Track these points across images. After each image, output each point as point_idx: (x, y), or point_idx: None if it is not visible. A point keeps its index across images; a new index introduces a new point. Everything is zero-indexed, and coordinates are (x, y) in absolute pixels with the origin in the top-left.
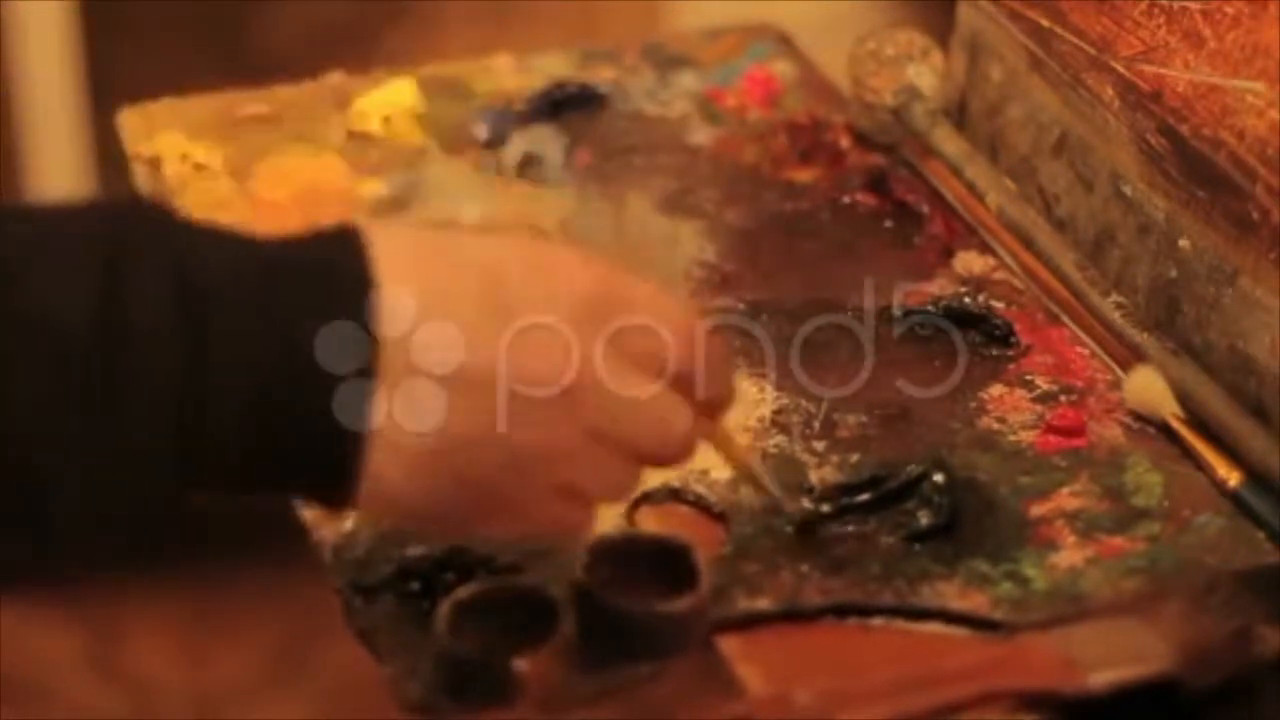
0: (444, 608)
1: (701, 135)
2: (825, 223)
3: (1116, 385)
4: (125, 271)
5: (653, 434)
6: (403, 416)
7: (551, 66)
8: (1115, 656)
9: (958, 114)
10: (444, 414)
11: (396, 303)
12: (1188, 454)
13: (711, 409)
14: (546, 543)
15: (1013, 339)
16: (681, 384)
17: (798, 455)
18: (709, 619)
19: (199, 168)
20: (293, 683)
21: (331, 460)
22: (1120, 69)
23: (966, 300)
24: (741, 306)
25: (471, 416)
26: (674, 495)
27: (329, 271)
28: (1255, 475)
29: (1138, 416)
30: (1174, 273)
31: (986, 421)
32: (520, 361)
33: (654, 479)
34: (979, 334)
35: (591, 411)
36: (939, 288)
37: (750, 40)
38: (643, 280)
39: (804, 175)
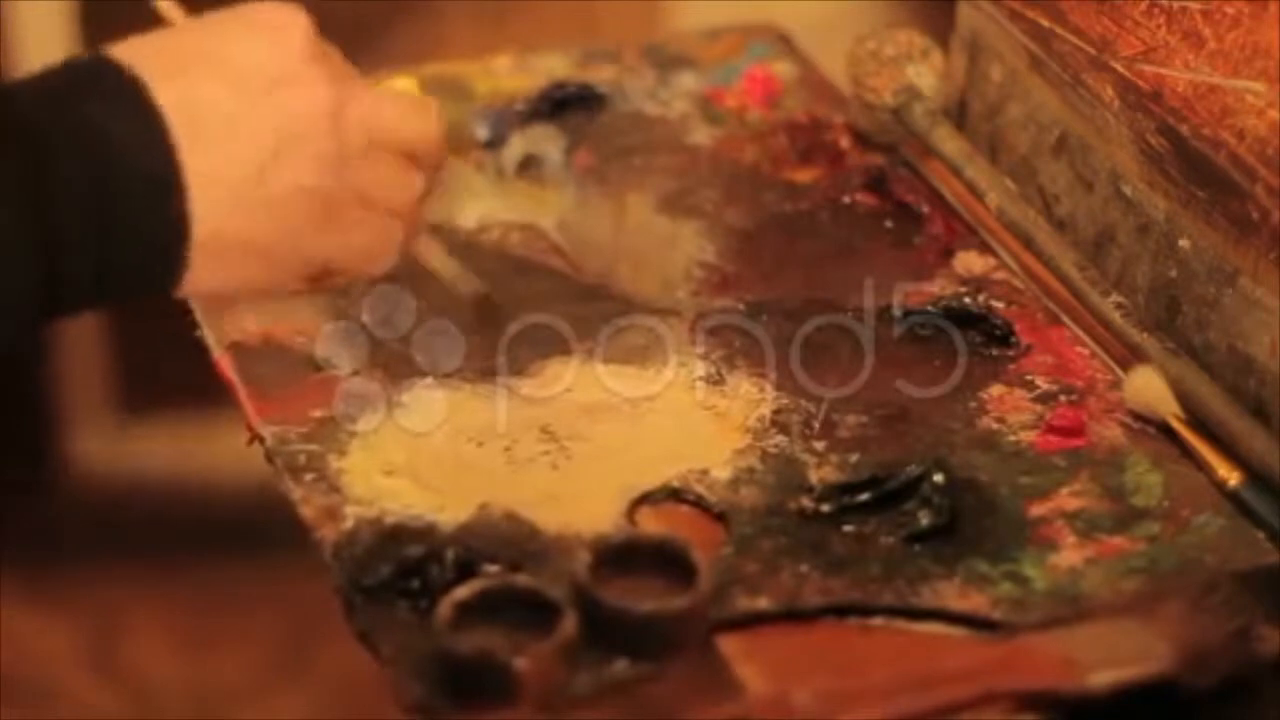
0: (444, 607)
1: (701, 135)
2: (825, 223)
3: (1116, 385)
4: None
5: (413, 127)
6: (209, 169)
7: (551, 66)
8: (1115, 656)
9: (958, 114)
10: (244, 152)
11: (169, 84)
12: (1188, 454)
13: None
14: (371, 269)
15: (1013, 339)
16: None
17: (798, 455)
18: (709, 619)
19: None
20: (293, 683)
21: (165, 227)
22: (1120, 69)
23: (966, 300)
24: (741, 306)
25: (268, 142)
26: (674, 495)
27: (87, 71)
28: (1255, 475)
29: (1138, 416)
30: (1174, 273)
31: (986, 421)
32: (291, 86)
33: (654, 479)
34: (979, 334)
35: (359, 118)
36: (939, 288)
37: (750, 40)
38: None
39: (804, 175)
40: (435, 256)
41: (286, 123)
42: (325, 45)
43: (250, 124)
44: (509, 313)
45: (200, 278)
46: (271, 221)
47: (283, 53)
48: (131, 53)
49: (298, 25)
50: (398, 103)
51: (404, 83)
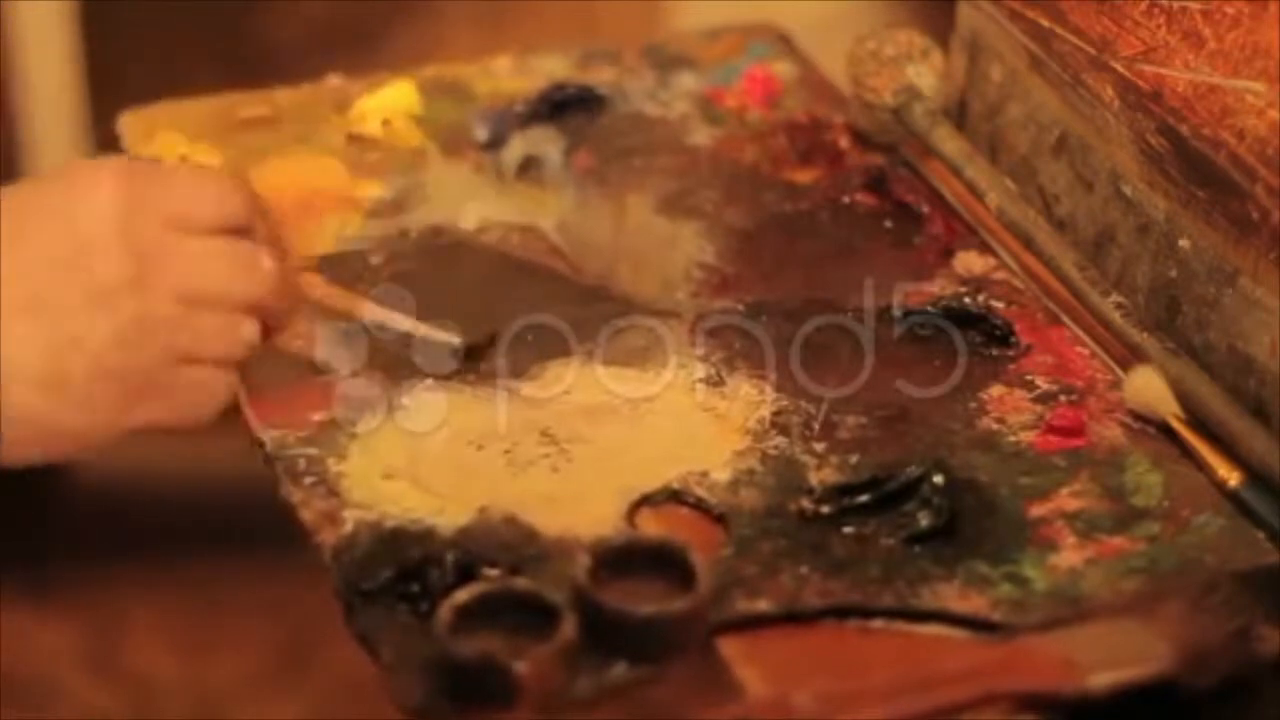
0: (444, 610)
1: (701, 135)
2: (825, 223)
3: (1116, 385)
4: None
5: (238, 277)
6: (18, 350)
7: (551, 67)
8: (1115, 657)
9: (958, 114)
10: (48, 333)
11: None
12: (1188, 454)
13: (272, 240)
14: (199, 420)
15: (1013, 339)
16: (234, 231)
17: (798, 457)
18: (709, 621)
19: None
20: (293, 683)
21: None
22: (1120, 69)
23: (966, 300)
24: (741, 306)
25: (69, 325)
26: (674, 497)
27: None
28: (1255, 475)
29: (1138, 416)
30: (1174, 273)
31: (986, 422)
32: (87, 262)
33: (654, 481)
34: (979, 334)
35: (168, 280)
36: (939, 288)
37: (750, 40)
38: (161, 161)
39: (804, 175)
40: (401, 321)
41: (85, 301)
42: (146, 185)
43: (52, 305)
44: (491, 345)
45: (13, 454)
46: (78, 409)
47: (88, 218)
48: None
49: (105, 185)
50: (221, 259)
51: (404, 85)
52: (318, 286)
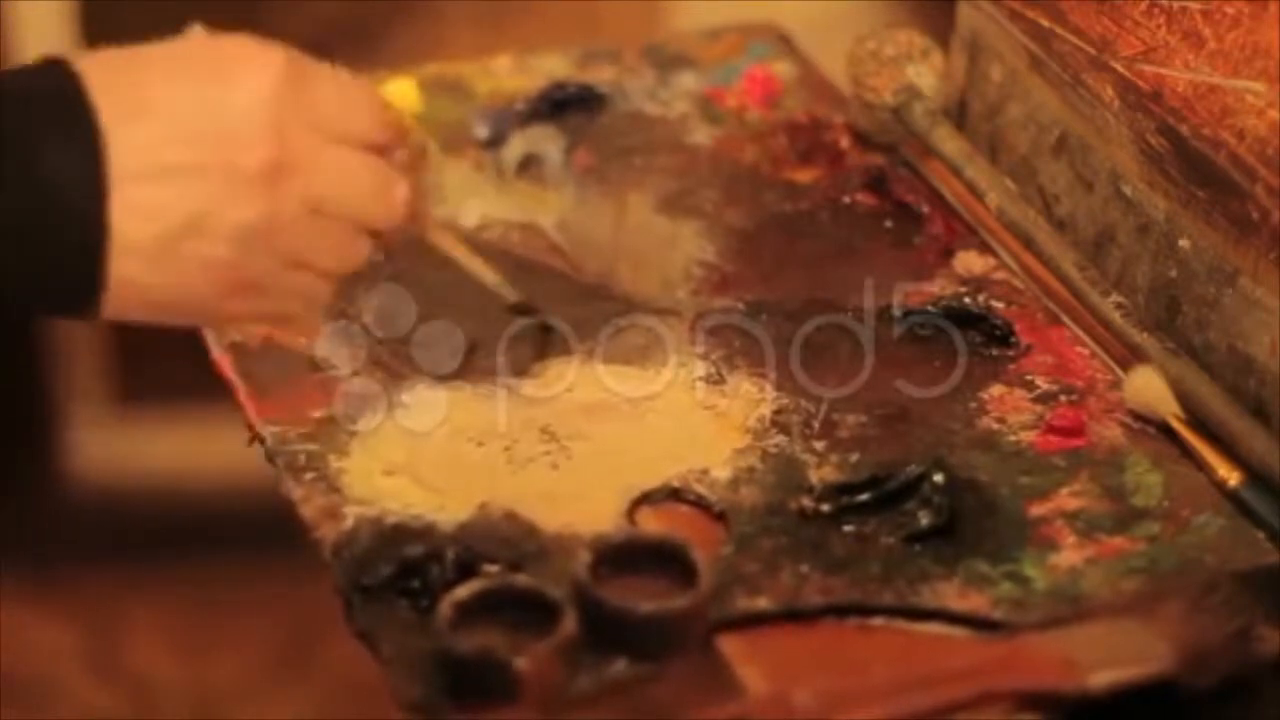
0: (444, 607)
1: (701, 135)
2: (825, 223)
3: (1116, 385)
4: None
5: (370, 198)
6: (134, 219)
7: (551, 67)
8: (1115, 656)
9: (958, 114)
10: (171, 208)
11: (112, 116)
12: (1188, 454)
13: (407, 168)
14: (287, 317)
15: (1013, 339)
16: (375, 149)
17: (798, 455)
18: (709, 618)
19: None
20: (293, 683)
21: (77, 273)
22: (1120, 69)
23: (966, 300)
24: (741, 306)
25: (195, 204)
26: (674, 495)
27: (50, 97)
28: (1255, 475)
29: (1138, 416)
30: (1174, 273)
31: (986, 421)
32: (231, 145)
33: (654, 478)
34: (979, 334)
35: (304, 184)
36: (939, 288)
37: (750, 40)
38: (318, 62)
39: (804, 175)
40: (474, 264)
41: (217, 188)
42: (304, 83)
43: (182, 184)
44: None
45: (112, 312)
46: (181, 289)
47: (243, 104)
48: (100, 80)
49: (267, 73)
50: (360, 175)
51: (404, 83)
52: (441, 234)
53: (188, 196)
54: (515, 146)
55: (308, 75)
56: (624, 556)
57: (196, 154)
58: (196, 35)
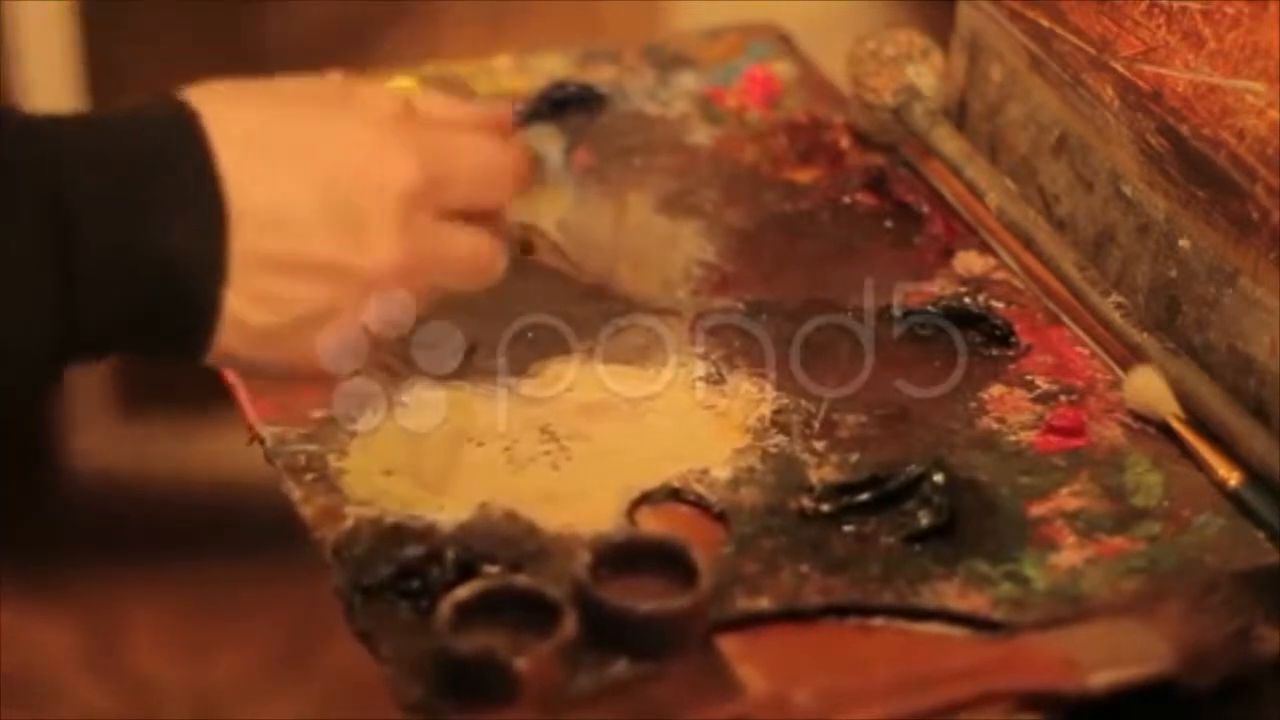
0: (444, 607)
1: (701, 135)
2: (825, 223)
3: (1116, 385)
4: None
5: (474, 278)
6: (251, 306)
7: (551, 66)
8: (1115, 656)
9: (958, 114)
10: (292, 303)
11: (241, 195)
12: (1188, 454)
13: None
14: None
15: (1013, 339)
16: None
17: (798, 455)
18: (709, 618)
19: None
20: (293, 683)
21: (187, 344)
22: (1120, 69)
23: (966, 300)
24: (741, 306)
25: (316, 305)
26: (674, 495)
27: (177, 166)
28: (1255, 475)
29: (1138, 416)
30: (1174, 273)
31: (986, 421)
32: (357, 247)
33: (654, 478)
34: (979, 334)
35: (423, 280)
36: (939, 288)
37: (750, 40)
38: (450, 117)
39: (804, 175)
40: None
41: (340, 289)
42: (439, 177)
43: (305, 281)
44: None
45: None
46: (283, 363)
47: (375, 201)
48: (224, 137)
49: (408, 171)
50: (477, 263)
51: (404, 83)
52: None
53: (310, 296)
54: None
55: (443, 167)
56: (624, 556)
57: (323, 253)
58: (333, 81)
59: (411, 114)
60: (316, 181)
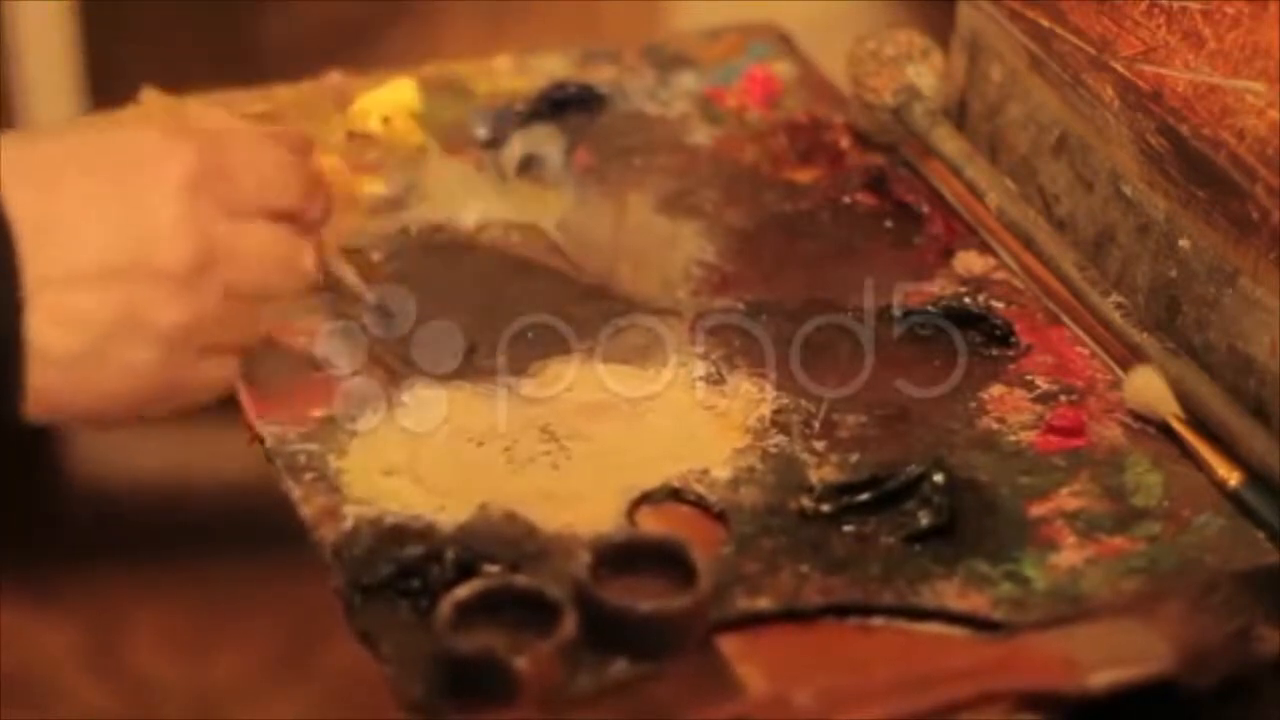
0: (444, 607)
1: (701, 135)
2: (825, 223)
3: (1116, 385)
4: None
5: (281, 275)
6: (54, 330)
7: (551, 67)
8: (1115, 656)
9: (958, 114)
10: (93, 316)
11: (26, 224)
12: (1188, 454)
13: (318, 225)
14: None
15: (1013, 339)
16: (288, 215)
17: (798, 455)
18: (709, 618)
19: None
20: (293, 683)
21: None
22: (1120, 69)
23: (966, 300)
24: (741, 306)
25: (118, 311)
26: (674, 495)
27: None
28: (1255, 475)
29: (1138, 416)
30: (1174, 273)
31: (986, 421)
32: (150, 246)
33: (654, 478)
34: (979, 334)
35: (223, 274)
36: (939, 288)
37: (750, 40)
38: (228, 124)
39: (804, 175)
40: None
41: (140, 292)
42: (219, 169)
43: (102, 291)
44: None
45: (37, 417)
46: (103, 395)
47: (159, 199)
48: (10, 186)
49: (183, 162)
50: (270, 254)
51: (404, 83)
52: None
53: (109, 303)
54: (515, 146)
55: (222, 158)
56: (624, 556)
57: (115, 258)
58: (150, 98)
59: (191, 120)
60: (100, 185)
